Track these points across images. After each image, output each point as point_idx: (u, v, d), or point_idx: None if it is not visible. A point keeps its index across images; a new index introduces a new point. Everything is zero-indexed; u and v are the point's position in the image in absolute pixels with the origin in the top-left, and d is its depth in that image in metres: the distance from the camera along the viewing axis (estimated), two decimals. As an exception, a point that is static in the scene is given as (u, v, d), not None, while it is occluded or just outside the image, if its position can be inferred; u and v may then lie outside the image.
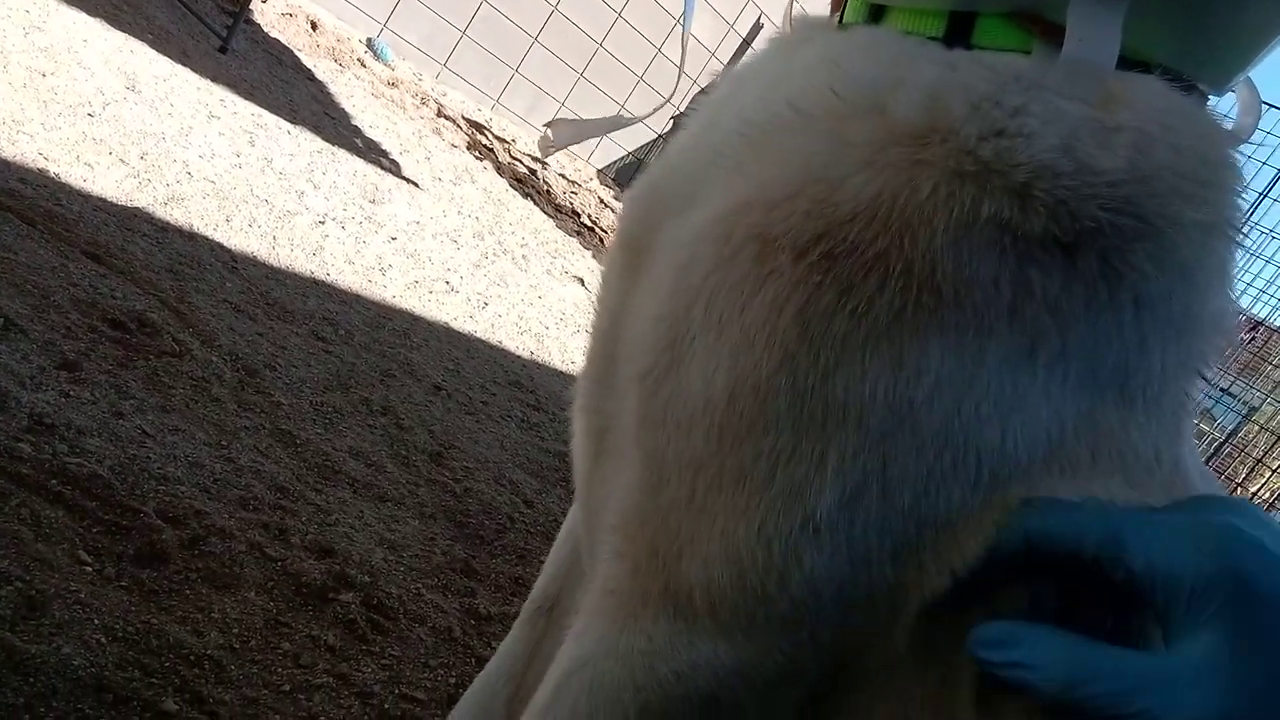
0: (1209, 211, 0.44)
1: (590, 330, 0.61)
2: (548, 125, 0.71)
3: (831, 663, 0.47)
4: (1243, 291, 4.52)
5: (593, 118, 0.71)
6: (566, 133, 0.74)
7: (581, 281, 4.20)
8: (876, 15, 0.50)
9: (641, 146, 6.49)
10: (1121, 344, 0.43)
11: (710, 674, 0.45)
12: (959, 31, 0.46)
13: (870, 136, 0.44)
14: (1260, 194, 4.12)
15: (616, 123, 0.70)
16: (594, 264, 4.73)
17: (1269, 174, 4.08)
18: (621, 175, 6.49)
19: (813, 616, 0.44)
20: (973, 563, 0.43)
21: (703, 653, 0.45)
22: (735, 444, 0.44)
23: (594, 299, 0.62)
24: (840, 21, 0.53)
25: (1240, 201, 0.46)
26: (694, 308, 0.45)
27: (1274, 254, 4.31)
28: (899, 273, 0.41)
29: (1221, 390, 4.87)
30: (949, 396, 0.42)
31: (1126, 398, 0.44)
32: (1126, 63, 0.44)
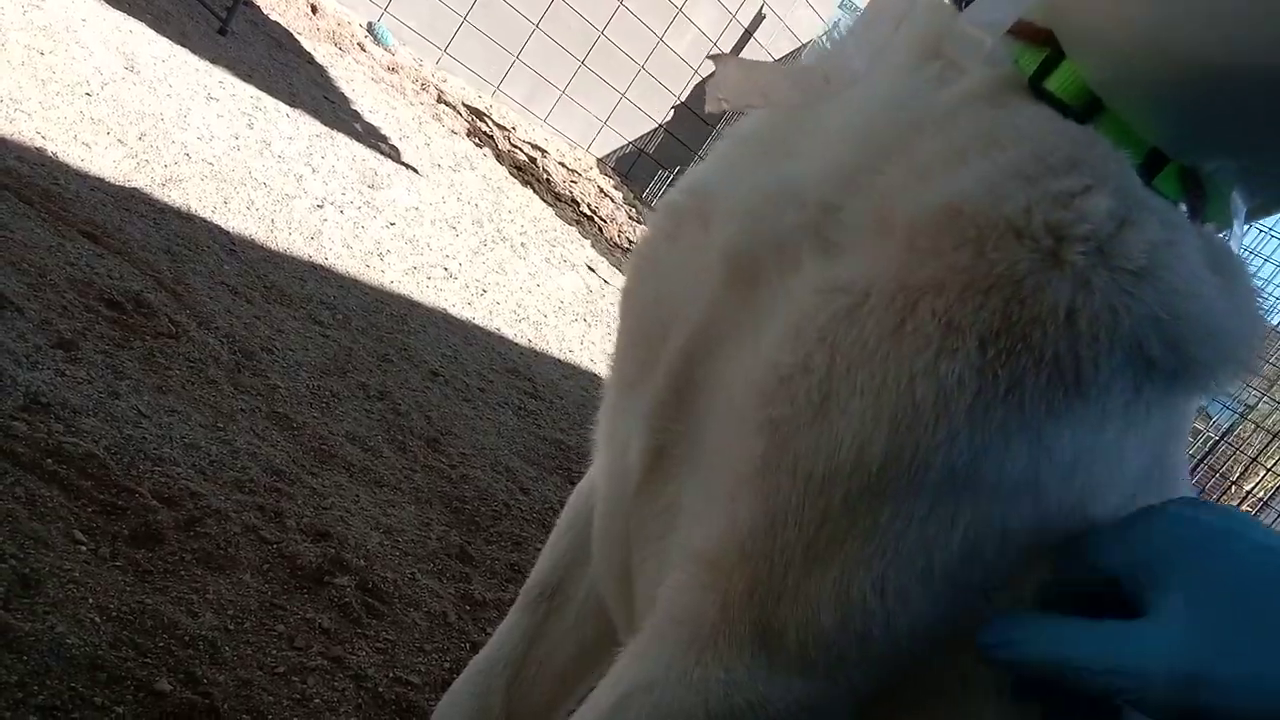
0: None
1: (632, 326, 0.59)
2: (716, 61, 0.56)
3: (898, 684, 0.49)
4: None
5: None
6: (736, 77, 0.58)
7: (593, 270, 4.19)
8: (1090, 108, 0.47)
9: (641, 136, 6.47)
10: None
11: (783, 706, 0.47)
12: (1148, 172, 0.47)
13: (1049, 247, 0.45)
14: (1260, 192, 4.11)
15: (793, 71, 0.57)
16: (593, 253, 4.72)
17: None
18: (621, 164, 6.47)
19: (903, 655, 0.47)
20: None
21: (778, 686, 0.47)
22: (875, 504, 0.45)
23: (632, 293, 0.59)
24: (1033, 79, 0.48)
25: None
26: (855, 371, 0.45)
27: (1272, 252, 4.29)
28: (1064, 372, 0.44)
29: (1217, 388, 4.85)
30: (1075, 477, 0.46)
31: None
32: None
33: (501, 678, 0.75)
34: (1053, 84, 0.47)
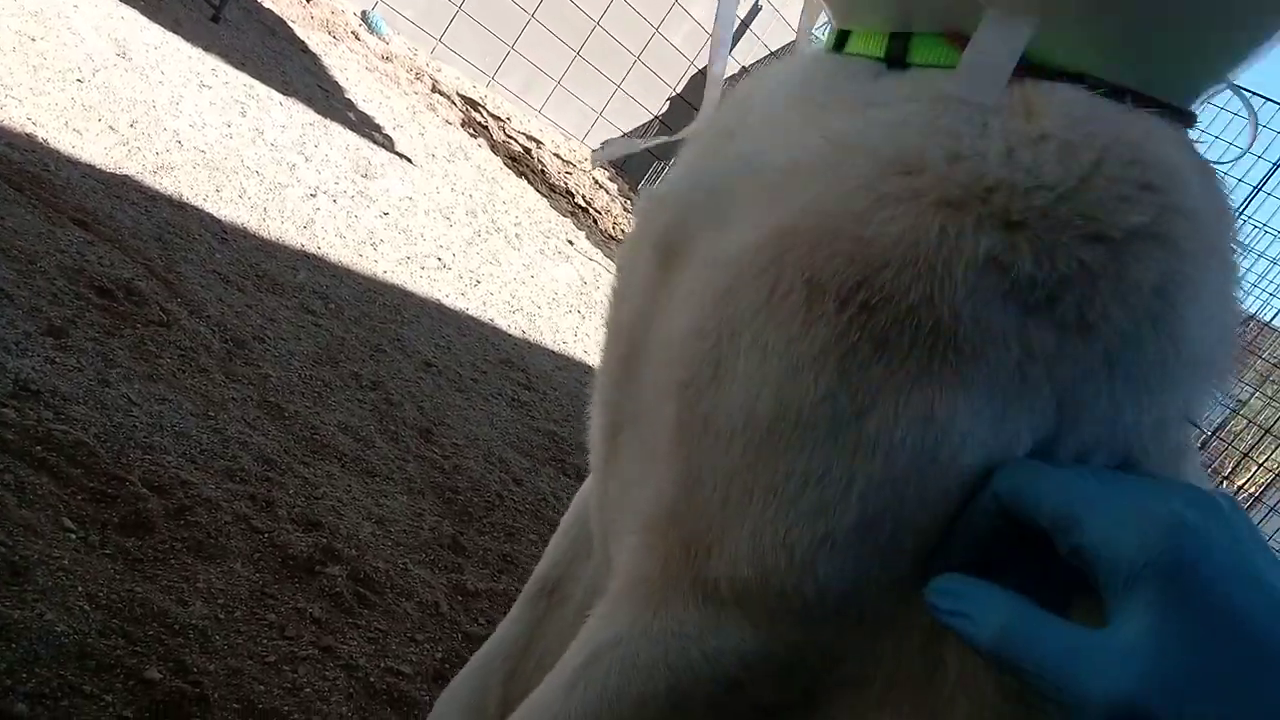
0: (1151, 215, 0.45)
1: (607, 324, 0.63)
2: (600, 147, 0.74)
3: (835, 659, 0.50)
4: (1234, 285, 4.51)
5: (639, 139, 0.77)
6: (617, 147, 0.77)
7: (589, 261, 4.19)
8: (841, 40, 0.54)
9: (637, 128, 6.45)
10: (1101, 409, 0.46)
11: (736, 658, 0.49)
12: (898, 52, 0.50)
13: (875, 173, 0.47)
14: (1254, 188, 4.13)
15: (665, 142, 0.70)
16: (587, 245, 4.71)
17: (1264, 168, 4.09)
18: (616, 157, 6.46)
19: (821, 618, 0.48)
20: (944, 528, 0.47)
21: (729, 638, 0.49)
22: (771, 460, 0.47)
23: (611, 292, 0.63)
24: (836, 44, 0.55)
25: (1189, 208, 0.46)
26: (741, 334, 0.48)
27: (1267, 248, 4.30)
28: (929, 329, 0.44)
29: (1210, 384, 4.87)
30: (973, 455, 0.45)
31: (1116, 459, 0.47)
32: (1052, 75, 0.46)
33: (499, 672, 0.76)
34: (853, 46, 0.53)
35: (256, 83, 3.09)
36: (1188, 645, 0.38)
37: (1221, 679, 0.37)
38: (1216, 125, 4.04)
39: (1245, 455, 4.06)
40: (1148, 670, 0.37)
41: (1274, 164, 4.05)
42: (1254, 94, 3.94)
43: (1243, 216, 4.24)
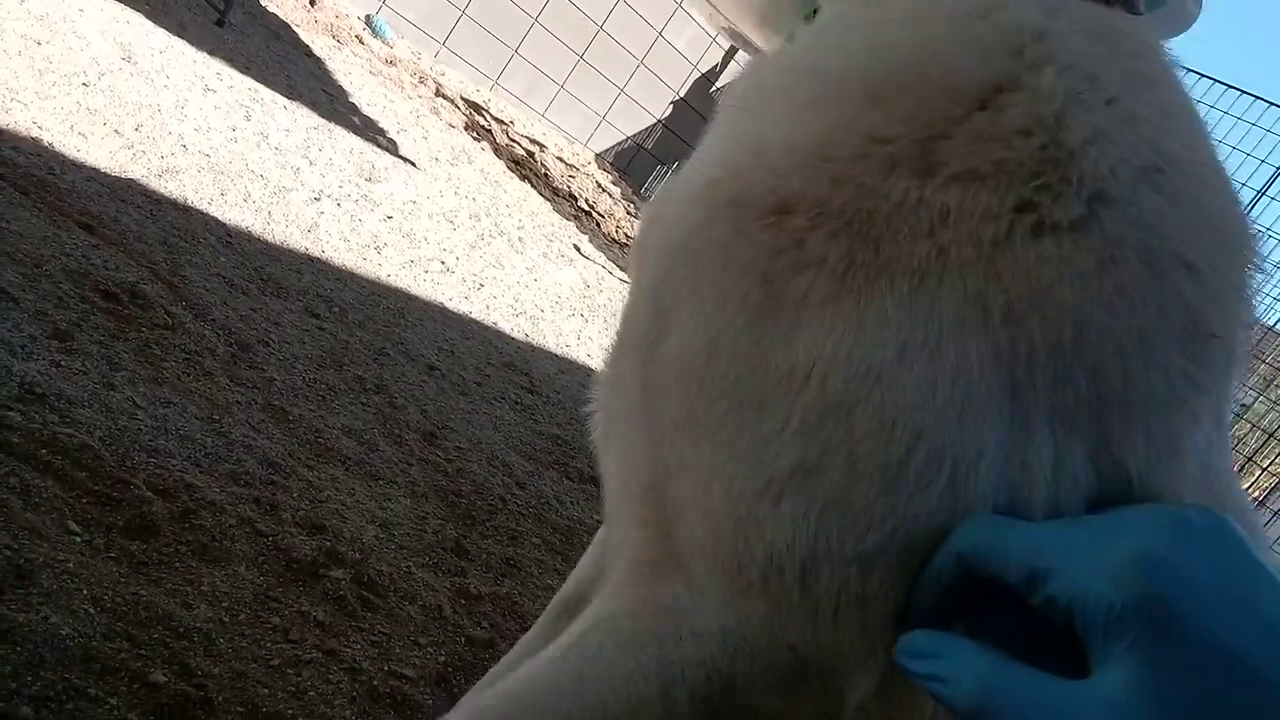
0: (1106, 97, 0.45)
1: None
2: None
3: (836, 673, 0.46)
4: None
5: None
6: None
7: (592, 264, 4.19)
8: None
9: (640, 132, 6.46)
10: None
11: (717, 641, 0.46)
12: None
13: (793, 96, 0.51)
14: (1258, 192, 4.12)
15: None
16: (591, 248, 4.71)
17: (1268, 171, 4.08)
18: (620, 159, 6.46)
19: (784, 595, 0.45)
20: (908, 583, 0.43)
21: (710, 618, 0.47)
22: (710, 402, 0.45)
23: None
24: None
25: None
26: (675, 272, 0.48)
27: (1270, 251, 4.30)
28: (842, 225, 0.43)
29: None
30: (917, 369, 0.42)
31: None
32: None
33: None
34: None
35: (261, 87, 3.10)
36: (1175, 692, 0.35)
37: (1193, 714, 0.34)
38: (1220, 129, 4.04)
39: (1249, 460, 4.05)
40: (1133, 715, 0.35)
41: (1277, 168, 4.05)
42: (1258, 98, 3.93)
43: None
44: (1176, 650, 0.35)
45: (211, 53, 3.05)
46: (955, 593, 0.43)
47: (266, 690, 1.06)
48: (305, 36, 4.22)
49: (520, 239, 3.85)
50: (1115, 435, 0.43)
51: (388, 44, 4.97)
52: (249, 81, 3.06)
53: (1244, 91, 4.00)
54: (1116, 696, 0.36)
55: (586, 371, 3.05)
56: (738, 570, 0.45)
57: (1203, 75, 4.12)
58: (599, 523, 2.15)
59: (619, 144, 6.41)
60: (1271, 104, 3.93)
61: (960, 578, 0.42)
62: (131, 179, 1.99)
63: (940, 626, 0.43)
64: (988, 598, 0.42)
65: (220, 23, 3.46)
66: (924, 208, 0.43)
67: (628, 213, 5.79)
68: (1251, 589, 0.36)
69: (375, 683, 1.17)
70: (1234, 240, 0.48)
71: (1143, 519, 0.39)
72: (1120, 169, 0.44)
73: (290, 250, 2.24)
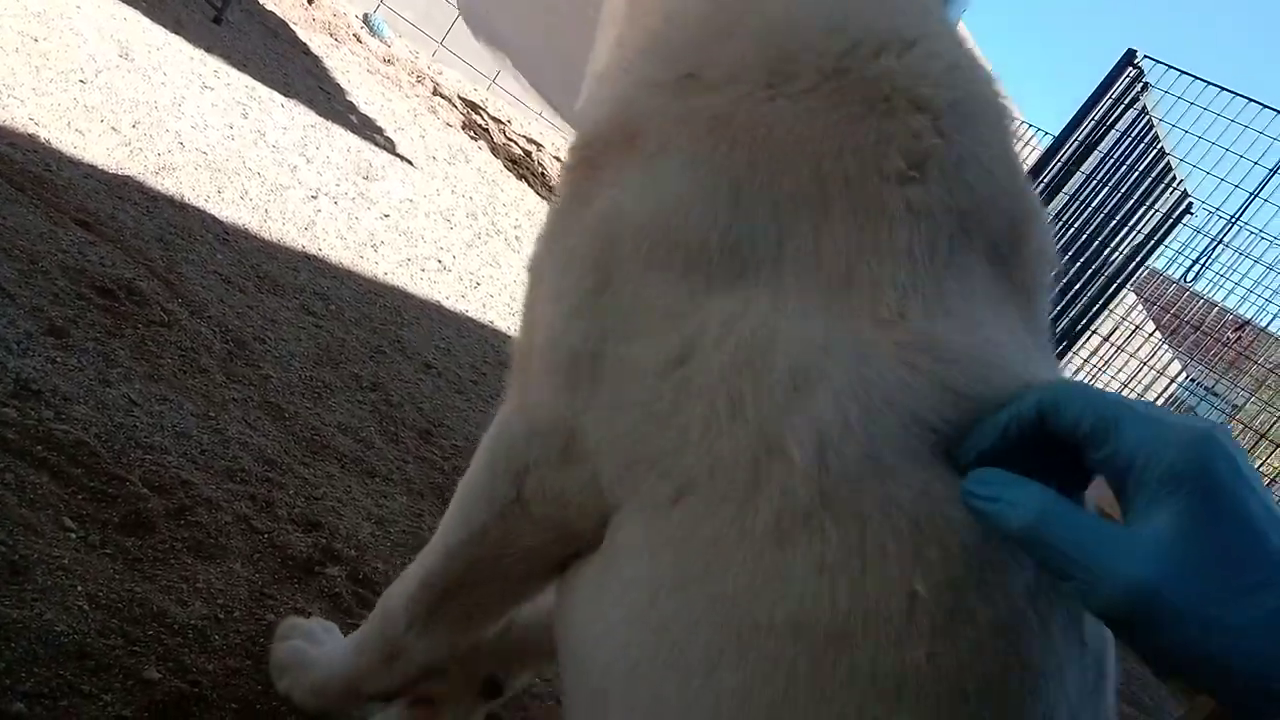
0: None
1: None
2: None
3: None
4: (1229, 292, 4.54)
5: None
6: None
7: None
8: None
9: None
10: None
11: (548, 422, 0.68)
12: None
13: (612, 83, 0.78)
14: (1251, 194, 4.13)
15: None
16: (587, 248, 4.70)
17: (1260, 174, 4.09)
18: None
19: (576, 381, 0.66)
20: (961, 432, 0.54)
21: (559, 407, 0.67)
22: (548, 259, 0.73)
23: None
24: None
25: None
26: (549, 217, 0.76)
27: (1262, 253, 4.30)
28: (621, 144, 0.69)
29: (1206, 389, 4.89)
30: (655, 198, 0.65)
31: None
32: None
33: None
34: None
35: (258, 84, 3.10)
36: (1205, 542, 0.43)
37: (1222, 567, 0.43)
38: (1213, 131, 4.05)
39: (1243, 461, 4.05)
40: (1167, 560, 0.43)
41: (1270, 170, 4.06)
42: (1250, 99, 3.94)
43: (1239, 222, 4.24)
44: (1212, 508, 0.44)
45: (209, 50, 3.05)
46: (1019, 441, 0.52)
47: (261, 687, 1.06)
48: (303, 34, 4.22)
49: (517, 238, 3.85)
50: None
51: (385, 43, 4.96)
52: (246, 79, 3.06)
53: (1236, 93, 4.01)
54: (1160, 536, 0.44)
55: (583, 371, 3.04)
56: (554, 365, 0.67)
57: (1196, 77, 4.13)
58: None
59: (616, 144, 6.40)
60: (1264, 106, 3.94)
61: (1029, 427, 0.51)
62: (128, 176, 1.98)
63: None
64: (1040, 453, 0.51)
65: (218, 20, 3.45)
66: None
67: (625, 212, 5.78)
68: (1255, 479, 0.46)
69: (370, 680, 1.17)
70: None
71: (1205, 424, 0.48)
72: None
73: (287, 248, 2.24)
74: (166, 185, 2.07)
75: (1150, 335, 4.80)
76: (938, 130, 0.63)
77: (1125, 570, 0.43)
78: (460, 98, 5.22)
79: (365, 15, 4.99)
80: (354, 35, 4.73)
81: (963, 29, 0.73)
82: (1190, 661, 0.42)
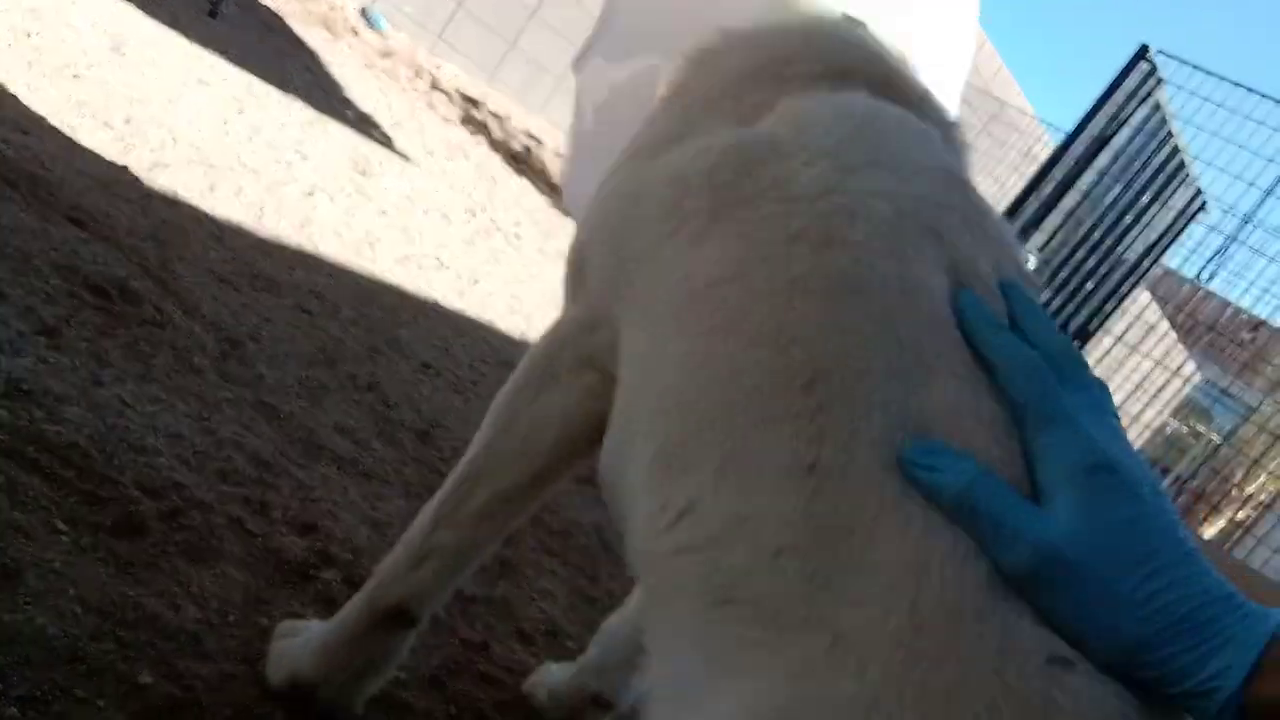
0: None
1: None
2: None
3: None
4: (1244, 291, 4.51)
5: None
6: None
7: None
8: None
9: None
10: None
11: (573, 322, 0.94)
12: None
13: None
14: (1266, 191, 4.11)
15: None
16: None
17: (1275, 171, 4.05)
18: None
19: (606, 285, 0.87)
20: None
21: (576, 311, 0.93)
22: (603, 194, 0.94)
23: None
24: None
25: None
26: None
27: (1277, 252, 4.27)
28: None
29: (1220, 390, 4.87)
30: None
31: None
32: None
33: None
34: None
35: (254, 79, 3.08)
36: (1107, 517, 0.53)
37: (1120, 538, 0.52)
38: (1228, 128, 4.03)
39: (1255, 462, 4.04)
40: (1071, 530, 0.52)
41: (1286, 169, 4.02)
42: (1265, 96, 3.92)
43: (1254, 220, 4.22)
44: (1110, 490, 0.54)
45: (204, 45, 3.03)
46: None
47: (255, 692, 1.04)
48: (299, 29, 4.19)
49: (517, 235, 3.84)
50: None
51: (383, 36, 4.94)
52: (242, 74, 3.04)
53: (1251, 89, 3.98)
54: (1068, 513, 0.53)
55: (581, 368, 3.03)
56: (597, 275, 0.88)
57: (1209, 73, 4.11)
58: (596, 525, 2.15)
59: (615, 139, 6.39)
60: (1279, 102, 3.91)
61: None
62: (122, 172, 1.97)
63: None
64: None
65: (213, 14, 3.43)
66: None
67: (623, 209, 5.77)
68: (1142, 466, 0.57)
69: (366, 685, 1.16)
70: None
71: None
72: None
73: (282, 245, 2.22)
74: (160, 182, 2.05)
75: (1164, 336, 4.79)
76: None
77: (1035, 534, 0.52)
78: (459, 92, 5.19)
79: (363, 8, 4.97)
80: (351, 29, 4.71)
81: (977, 24, 0.78)
82: (1086, 621, 0.50)
